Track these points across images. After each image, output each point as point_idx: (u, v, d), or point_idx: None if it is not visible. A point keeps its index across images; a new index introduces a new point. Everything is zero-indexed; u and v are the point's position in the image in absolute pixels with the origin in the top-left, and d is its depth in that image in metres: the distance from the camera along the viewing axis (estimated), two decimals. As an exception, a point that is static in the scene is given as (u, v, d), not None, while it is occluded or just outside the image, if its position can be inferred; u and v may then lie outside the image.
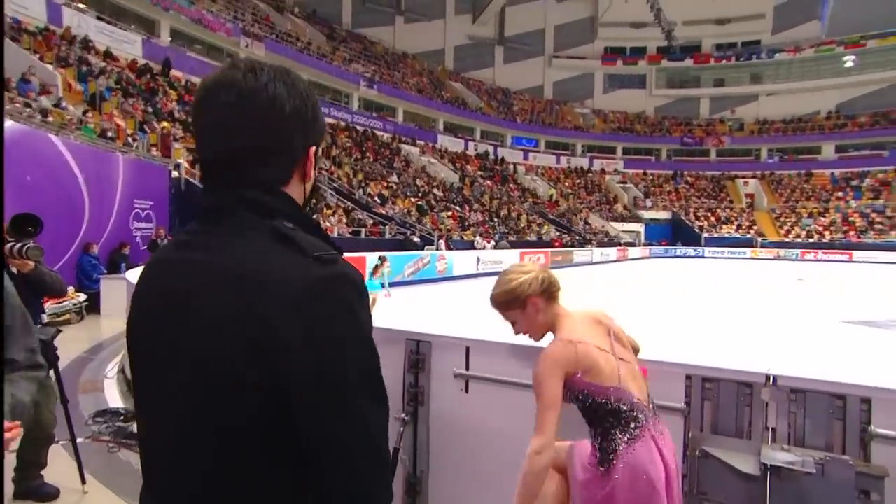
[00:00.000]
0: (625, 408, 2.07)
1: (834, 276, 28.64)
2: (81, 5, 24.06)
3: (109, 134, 15.93)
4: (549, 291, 2.27)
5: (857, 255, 42.80)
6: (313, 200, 1.18)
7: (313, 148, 1.11)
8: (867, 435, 2.21)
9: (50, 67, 17.75)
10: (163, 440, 1.03)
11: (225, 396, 0.93)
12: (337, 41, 44.69)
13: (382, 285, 14.29)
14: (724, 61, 57.93)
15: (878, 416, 2.21)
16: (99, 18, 24.02)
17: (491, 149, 50.21)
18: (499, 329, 3.27)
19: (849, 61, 52.78)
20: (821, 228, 47.71)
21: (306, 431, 0.92)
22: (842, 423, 2.27)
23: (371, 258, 17.71)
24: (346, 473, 0.93)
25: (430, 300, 15.80)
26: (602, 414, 2.10)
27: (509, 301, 2.26)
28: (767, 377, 2.34)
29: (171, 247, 1.10)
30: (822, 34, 36.93)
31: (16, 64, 16.11)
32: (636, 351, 2.36)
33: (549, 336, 2.28)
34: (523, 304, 2.24)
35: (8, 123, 11.20)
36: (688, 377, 2.47)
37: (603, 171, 55.89)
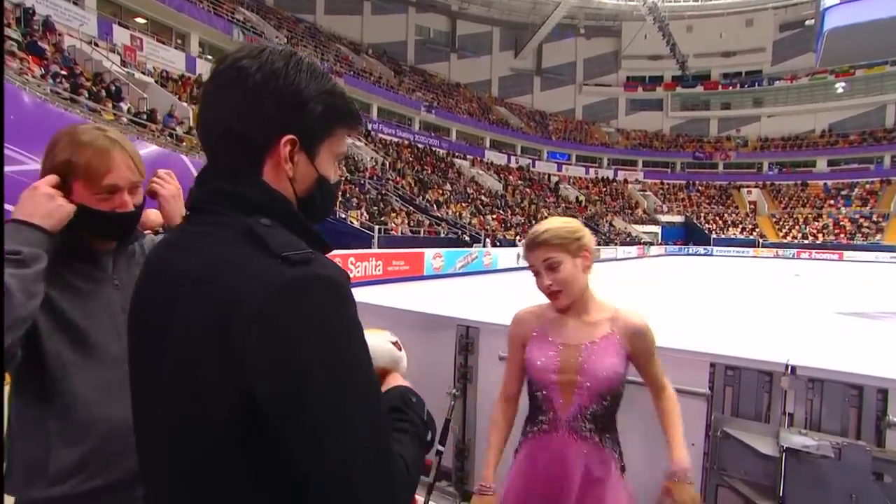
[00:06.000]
0: None
1: (826, 273, 27.22)
2: (210, 57, 26.16)
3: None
4: (593, 257, 1.68)
5: (847, 254, 40.90)
6: (326, 207, 0.89)
7: (287, 136, 0.79)
8: (883, 423, 1.99)
9: (185, 104, 19.01)
10: (151, 460, 0.82)
11: (203, 415, 0.71)
12: (402, 75, 44.85)
13: None
14: (730, 88, 56.05)
15: (894, 406, 1.99)
16: (222, 66, 26.63)
17: (530, 162, 49.65)
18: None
19: (839, 87, 50.80)
20: (814, 231, 45.75)
21: (285, 442, 0.70)
22: (857, 410, 2.06)
23: (429, 254, 17.72)
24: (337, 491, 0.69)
25: (478, 289, 15.60)
26: None
27: (567, 240, 1.59)
28: (787, 366, 2.14)
29: (162, 246, 0.86)
30: (815, 64, 35.62)
31: (165, 103, 17.66)
32: None
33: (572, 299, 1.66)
34: (577, 250, 1.61)
35: (153, 147, 12.67)
36: (712, 365, 2.28)
37: (626, 181, 54.73)
